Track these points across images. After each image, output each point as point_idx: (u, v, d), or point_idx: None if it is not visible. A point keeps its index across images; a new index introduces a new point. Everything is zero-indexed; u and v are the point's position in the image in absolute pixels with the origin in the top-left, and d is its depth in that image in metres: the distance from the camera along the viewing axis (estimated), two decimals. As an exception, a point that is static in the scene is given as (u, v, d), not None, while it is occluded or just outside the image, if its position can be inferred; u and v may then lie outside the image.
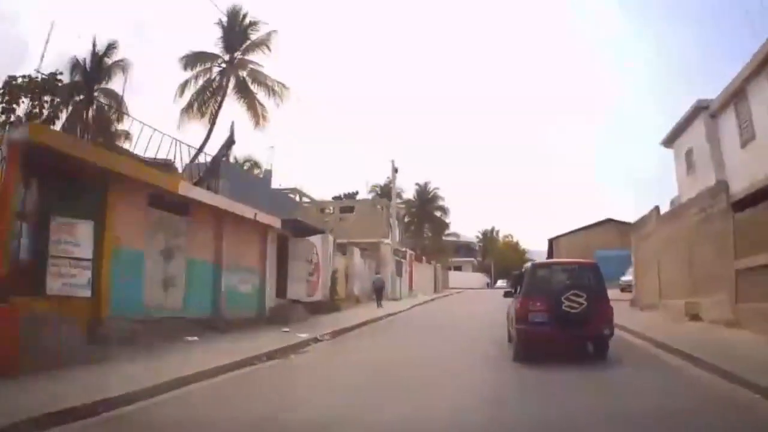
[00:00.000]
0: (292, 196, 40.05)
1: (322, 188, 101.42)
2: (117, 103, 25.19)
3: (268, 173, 24.37)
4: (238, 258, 16.72)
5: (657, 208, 19.58)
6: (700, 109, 17.94)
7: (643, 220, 21.46)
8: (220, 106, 25.87)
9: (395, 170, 35.14)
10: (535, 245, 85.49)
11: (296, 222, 18.55)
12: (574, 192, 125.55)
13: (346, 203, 42.01)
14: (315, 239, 22.43)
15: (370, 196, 48.27)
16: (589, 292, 9.81)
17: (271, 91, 25.72)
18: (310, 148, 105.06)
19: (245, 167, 45.54)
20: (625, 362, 10.18)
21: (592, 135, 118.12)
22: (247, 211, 16.44)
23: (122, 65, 25.49)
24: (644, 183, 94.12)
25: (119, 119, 25.27)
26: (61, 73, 13.21)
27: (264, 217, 17.37)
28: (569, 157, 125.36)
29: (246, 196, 17.16)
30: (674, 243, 17.61)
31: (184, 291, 14.15)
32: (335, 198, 46.70)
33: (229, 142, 17.82)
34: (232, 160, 22.99)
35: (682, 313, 15.95)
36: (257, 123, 26.37)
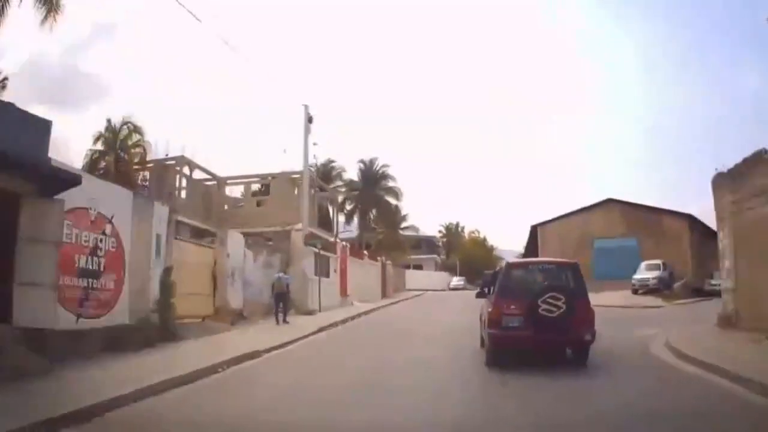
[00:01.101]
0: (177, 168, 28.73)
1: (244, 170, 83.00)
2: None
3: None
4: None
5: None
6: None
7: (755, 160, 10.96)
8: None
9: (310, 119, 23.56)
10: (505, 244, 77.74)
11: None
12: (546, 186, 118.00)
13: (260, 180, 30.61)
14: (110, 203, 11.35)
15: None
16: (568, 295, 9.09)
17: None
18: (229, 121, 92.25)
19: (122, 133, 33.81)
20: None
21: (564, 123, 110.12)
22: None
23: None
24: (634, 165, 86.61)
25: None
26: None
27: None
28: (539, 148, 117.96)
29: None
30: None
31: None
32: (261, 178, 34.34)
33: None
34: None
35: None
36: (46, 16, 15.53)
